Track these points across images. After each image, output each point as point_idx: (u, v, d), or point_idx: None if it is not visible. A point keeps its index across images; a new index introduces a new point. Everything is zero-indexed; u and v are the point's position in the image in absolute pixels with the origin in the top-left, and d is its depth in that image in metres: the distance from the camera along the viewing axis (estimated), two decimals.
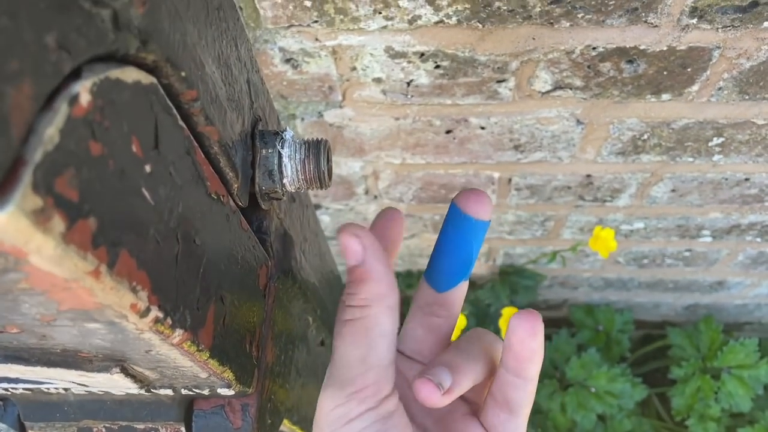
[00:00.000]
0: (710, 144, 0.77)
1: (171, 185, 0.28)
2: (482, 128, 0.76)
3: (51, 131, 0.20)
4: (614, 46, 0.62)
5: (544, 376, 1.27)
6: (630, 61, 0.64)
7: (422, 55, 0.65)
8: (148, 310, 0.26)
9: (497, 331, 1.20)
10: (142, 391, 0.39)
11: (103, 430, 0.43)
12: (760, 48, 0.62)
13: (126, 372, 0.33)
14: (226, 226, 0.36)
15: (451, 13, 0.59)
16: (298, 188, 0.42)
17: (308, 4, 0.59)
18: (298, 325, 0.53)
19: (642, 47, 0.62)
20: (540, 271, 1.16)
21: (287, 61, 0.67)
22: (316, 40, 0.64)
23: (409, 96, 0.71)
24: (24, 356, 0.31)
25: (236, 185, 0.36)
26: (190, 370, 0.35)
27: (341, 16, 0.60)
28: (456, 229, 0.38)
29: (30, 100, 0.19)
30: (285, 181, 0.41)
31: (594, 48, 0.63)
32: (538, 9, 0.58)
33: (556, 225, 1.00)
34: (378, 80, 0.69)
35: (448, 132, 0.77)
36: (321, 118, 0.75)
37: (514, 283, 1.17)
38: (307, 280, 0.55)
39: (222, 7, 0.35)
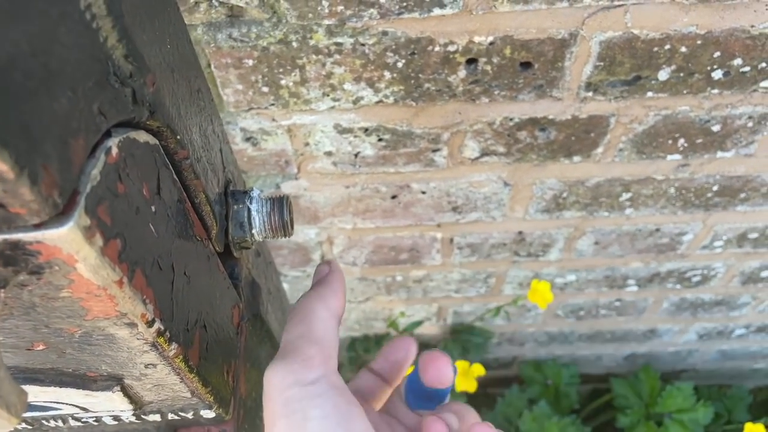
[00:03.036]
0: (621, 199, 0.88)
1: (168, 224, 0.36)
2: (423, 193, 0.85)
3: (95, 172, 0.27)
4: (528, 117, 0.74)
5: None
6: (542, 129, 0.76)
7: (366, 130, 0.74)
8: (153, 322, 0.33)
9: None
10: (133, 418, 0.44)
11: None
12: (648, 114, 0.74)
13: (125, 392, 0.39)
14: (207, 265, 0.43)
15: (388, 94, 0.69)
16: (265, 237, 0.50)
17: (265, 90, 0.68)
18: (266, 366, 0.59)
19: (551, 117, 0.74)
20: (488, 328, 1.24)
21: (247, 139, 0.76)
22: (273, 120, 0.73)
23: (357, 166, 0.80)
24: (40, 377, 0.37)
25: (214, 231, 0.44)
26: (179, 389, 0.41)
27: (294, 99, 0.70)
28: (422, 394, 0.41)
29: (83, 150, 0.27)
30: (254, 231, 0.49)
31: (511, 119, 0.74)
32: (461, 88, 0.69)
33: (498, 281, 1.09)
34: (329, 153, 0.78)
35: (393, 197, 0.86)
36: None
37: (465, 341, 1.24)
38: (272, 328, 0.62)
39: (200, 90, 0.44)
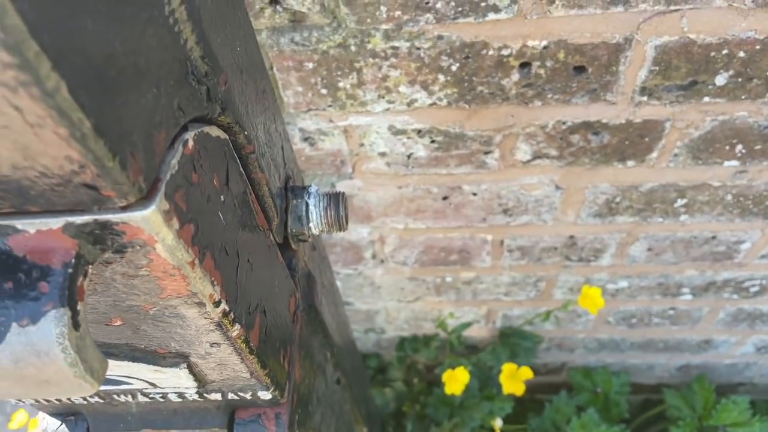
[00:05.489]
0: (675, 205, 0.87)
1: (234, 214, 0.38)
2: (474, 194, 0.87)
3: (174, 162, 0.30)
4: (581, 121, 0.74)
5: None
6: (596, 133, 0.76)
7: (419, 131, 0.76)
8: (219, 302, 0.36)
9: (499, 391, 1.26)
10: (196, 396, 0.47)
11: None
12: (705, 119, 0.73)
13: (191, 369, 0.42)
14: (267, 254, 0.45)
15: (442, 97, 0.71)
16: (322, 231, 0.52)
17: (324, 91, 0.71)
18: (318, 357, 0.62)
19: (604, 121, 0.74)
20: (538, 332, 1.24)
21: (305, 139, 0.79)
22: (330, 121, 0.76)
23: (409, 167, 0.82)
24: (115, 352, 0.40)
25: (275, 223, 0.46)
26: (239, 369, 0.44)
27: (351, 101, 0.72)
28: None
29: (164, 141, 0.30)
30: (311, 224, 0.52)
31: (564, 123, 0.74)
32: (513, 91, 0.70)
33: (548, 285, 1.09)
34: (383, 154, 0.80)
35: (444, 198, 0.88)
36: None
37: (514, 345, 1.24)
38: (325, 320, 0.64)
39: (265, 90, 0.47)
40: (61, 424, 0.52)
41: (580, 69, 0.68)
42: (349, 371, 0.81)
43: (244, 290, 0.40)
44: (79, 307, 0.28)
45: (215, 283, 0.35)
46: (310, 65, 0.68)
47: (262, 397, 0.48)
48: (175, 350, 0.41)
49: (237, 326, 0.39)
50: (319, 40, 0.65)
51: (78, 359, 0.28)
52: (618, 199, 0.87)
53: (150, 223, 0.28)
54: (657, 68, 0.67)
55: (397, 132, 0.77)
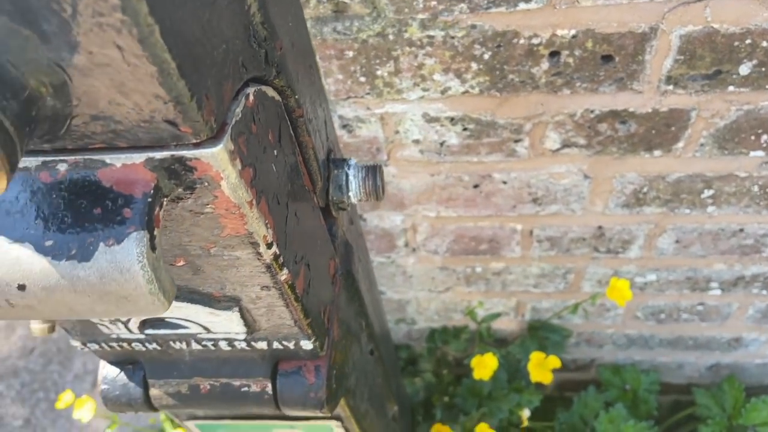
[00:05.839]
0: (702, 196, 0.89)
1: (285, 169, 0.43)
2: (504, 183, 0.90)
3: (238, 110, 0.35)
4: (608, 109, 0.77)
5: (574, 431, 1.33)
6: (623, 122, 0.79)
7: (452, 119, 0.80)
8: (271, 245, 0.40)
9: (527, 384, 1.28)
10: (244, 344, 0.52)
11: (208, 386, 0.56)
12: (730, 108, 0.76)
13: (242, 314, 0.47)
14: (312, 214, 0.50)
15: (474, 85, 0.75)
16: (360, 200, 0.56)
17: (362, 79, 0.76)
18: (354, 324, 0.66)
19: (631, 110, 0.77)
20: (566, 326, 1.26)
21: (344, 126, 0.83)
22: (368, 108, 0.80)
23: (442, 155, 0.86)
24: (176, 294, 0.45)
25: (319, 186, 0.51)
26: (284, 317, 0.48)
27: (388, 89, 0.77)
28: None
29: (230, 91, 0.34)
30: (350, 193, 0.56)
31: (592, 111, 0.78)
32: (543, 80, 0.74)
33: (576, 277, 1.11)
34: (417, 141, 0.84)
35: (475, 186, 0.91)
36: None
37: (542, 338, 1.27)
38: (361, 289, 0.68)
39: (312, 66, 0.52)
40: (120, 372, 0.57)
41: (607, 58, 0.71)
42: (383, 348, 0.84)
43: (291, 240, 0.44)
44: (155, 233, 0.33)
45: (268, 226, 0.39)
46: (351, 54, 0.73)
47: (304, 347, 0.52)
48: (229, 294, 0.45)
49: (285, 271, 0.43)
50: (359, 30, 0.70)
51: (153, 277, 0.33)
52: (645, 190, 0.90)
53: (218, 159, 0.33)
54: (682, 57, 0.70)
55: (430, 119, 0.81)
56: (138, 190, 0.33)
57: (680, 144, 0.81)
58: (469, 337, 1.32)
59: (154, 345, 0.53)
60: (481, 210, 0.96)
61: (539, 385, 1.31)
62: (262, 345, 0.52)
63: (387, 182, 0.92)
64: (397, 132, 0.83)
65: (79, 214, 0.33)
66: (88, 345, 0.53)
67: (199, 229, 0.38)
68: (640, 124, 0.79)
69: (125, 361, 0.57)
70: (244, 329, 0.49)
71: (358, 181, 0.56)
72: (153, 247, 0.33)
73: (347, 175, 0.56)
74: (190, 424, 0.70)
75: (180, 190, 0.35)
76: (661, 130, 0.80)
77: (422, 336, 1.37)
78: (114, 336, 0.51)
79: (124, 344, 0.53)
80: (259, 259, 0.41)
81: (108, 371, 0.57)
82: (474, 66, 0.73)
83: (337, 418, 0.66)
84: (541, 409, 1.39)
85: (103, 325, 0.49)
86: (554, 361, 1.10)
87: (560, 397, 1.58)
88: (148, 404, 0.57)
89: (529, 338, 1.28)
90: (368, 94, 0.78)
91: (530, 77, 0.74)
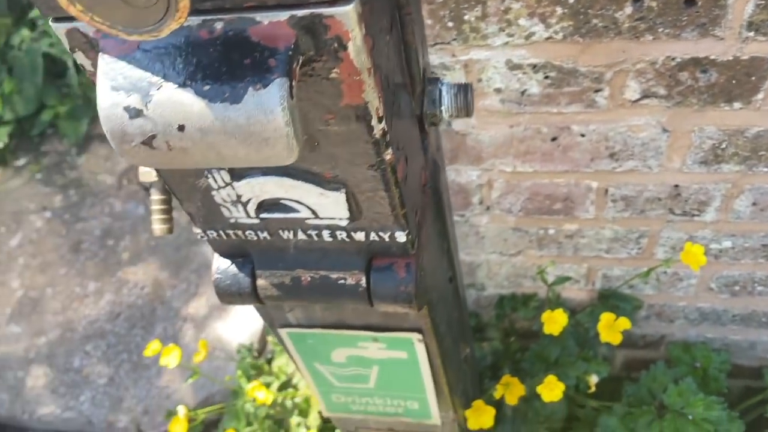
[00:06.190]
0: None
1: (392, 57, 0.48)
2: (582, 135, 0.93)
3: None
4: (689, 57, 0.79)
5: (641, 403, 1.33)
6: (704, 71, 0.81)
7: (534, 66, 0.84)
8: (382, 119, 0.46)
9: (595, 354, 1.29)
10: (344, 234, 0.57)
11: (309, 278, 0.62)
12: None
13: (347, 196, 0.52)
14: (410, 116, 0.55)
15: (558, 30, 0.79)
16: (451, 115, 0.61)
17: (450, 24, 0.81)
18: (438, 241, 0.71)
19: (712, 57, 0.79)
20: (637, 296, 1.27)
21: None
22: (453, 55, 0.85)
23: (522, 105, 0.90)
24: (292, 172, 0.51)
25: (417, 92, 0.56)
26: (384, 203, 0.53)
27: (474, 34, 0.81)
28: None
29: None
30: (443, 108, 0.61)
31: (673, 58, 0.80)
32: (626, 25, 0.77)
33: (650, 242, 1.12)
34: (498, 90, 0.89)
35: (553, 139, 0.95)
36: (450, 127, 0.96)
37: (613, 307, 1.28)
38: (443, 212, 0.73)
39: (409, 2, 0.56)
40: (231, 264, 0.64)
41: (690, 2, 0.74)
42: (459, 284, 0.89)
43: (395, 129, 0.50)
44: (293, 83, 0.39)
45: (381, 100, 0.45)
46: None
47: (398, 239, 0.57)
48: (338, 176, 0.51)
49: (390, 151, 0.49)
50: None
51: (291, 120, 0.39)
52: (724, 145, 0.91)
53: (348, 17, 0.38)
54: (764, 2, 0.72)
55: (513, 67, 0.85)
56: (282, 44, 0.39)
57: (760, 95, 0.83)
58: (538, 305, 1.34)
59: (265, 234, 0.59)
60: (557, 165, 0.99)
61: (607, 356, 1.32)
62: (360, 236, 0.58)
63: (466, 134, 0.97)
64: (479, 80, 0.88)
65: (232, 64, 0.39)
66: (208, 233, 0.60)
67: (322, 96, 0.44)
68: (721, 73, 0.81)
69: (236, 254, 0.63)
70: (347, 214, 0.54)
71: (450, 96, 0.61)
72: (292, 95, 0.39)
73: (440, 91, 0.61)
74: (283, 332, 0.76)
75: (312, 53, 0.40)
76: (741, 80, 0.81)
77: (491, 304, 1.41)
78: (233, 221, 0.57)
79: (239, 232, 0.59)
80: (370, 133, 0.46)
81: (220, 263, 0.64)
82: (558, 10, 0.77)
83: (419, 331, 0.71)
84: (608, 390, 1.40)
85: (225, 207, 0.56)
86: (624, 323, 1.11)
87: (627, 377, 1.57)
88: (255, 295, 0.63)
89: (599, 306, 1.29)
90: (455, 39, 0.83)
91: (613, 22, 0.77)
